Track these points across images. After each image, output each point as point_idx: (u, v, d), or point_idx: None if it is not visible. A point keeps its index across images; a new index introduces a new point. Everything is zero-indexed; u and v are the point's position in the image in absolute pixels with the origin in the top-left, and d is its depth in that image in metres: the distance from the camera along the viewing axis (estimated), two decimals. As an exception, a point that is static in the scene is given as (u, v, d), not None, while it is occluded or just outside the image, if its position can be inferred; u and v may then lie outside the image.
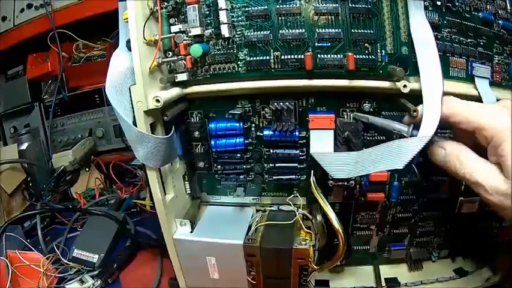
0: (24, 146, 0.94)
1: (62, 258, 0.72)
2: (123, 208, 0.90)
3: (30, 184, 0.93)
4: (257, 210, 0.62)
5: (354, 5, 0.49)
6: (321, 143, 0.53)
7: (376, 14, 0.50)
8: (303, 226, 0.56)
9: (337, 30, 0.50)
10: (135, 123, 0.49)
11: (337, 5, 0.49)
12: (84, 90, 1.10)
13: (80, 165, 0.99)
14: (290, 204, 0.58)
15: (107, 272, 0.71)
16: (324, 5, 0.49)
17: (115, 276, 0.71)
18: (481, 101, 0.52)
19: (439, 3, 0.51)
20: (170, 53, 0.53)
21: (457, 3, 0.52)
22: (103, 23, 0.99)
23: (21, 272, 0.68)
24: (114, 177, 0.96)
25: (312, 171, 0.54)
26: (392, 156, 0.45)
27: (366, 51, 0.50)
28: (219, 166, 0.59)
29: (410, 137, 0.45)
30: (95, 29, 1.09)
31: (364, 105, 0.54)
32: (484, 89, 0.53)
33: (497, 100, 0.51)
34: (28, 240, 0.78)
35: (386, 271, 0.64)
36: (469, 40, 0.54)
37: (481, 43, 0.55)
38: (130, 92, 0.48)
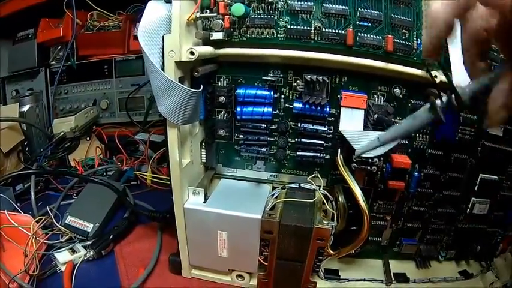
0: (25, 108, 0.90)
1: (55, 222, 0.67)
2: (123, 180, 0.86)
3: (27, 148, 0.88)
4: (274, 188, 0.59)
5: (395, -9, 0.50)
6: (351, 121, 0.53)
7: (414, 4, 0.51)
8: (327, 206, 0.53)
9: (378, 12, 0.50)
10: (163, 75, 0.46)
11: (380, -12, 0.49)
12: (93, 59, 1.06)
13: (81, 134, 0.95)
14: (311, 183, 0.56)
15: (101, 242, 0.66)
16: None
17: (109, 248, 0.66)
18: None
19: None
20: (208, 10, 0.51)
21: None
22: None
23: (9, 234, 0.63)
24: (119, 145, 0.92)
25: (339, 149, 0.53)
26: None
27: (403, 37, 0.51)
28: (241, 135, 0.57)
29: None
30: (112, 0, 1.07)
31: (395, 90, 0.54)
32: None
33: None
34: (18, 204, 0.73)
35: (395, 266, 0.63)
36: (492, 46, 0.55)
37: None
38: (163, 41, 0.46)
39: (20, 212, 0.69)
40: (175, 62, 0.46)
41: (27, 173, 0.77)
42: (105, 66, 1.05)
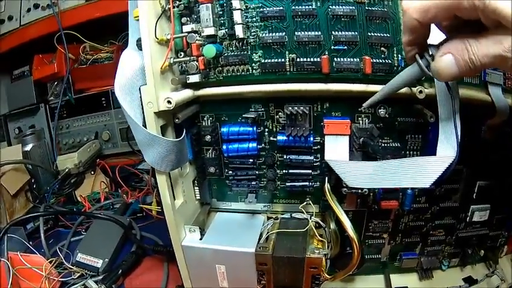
0: (28, 147, 0.93)
1: (65, 262, 0.71)
2: (129, 213, 0.88)
3: (34, 186, 0.91)
4: (268, 218, 0.61)
5: (370, 8, 0.48)
6: (336, 149, 0.52)
7: (392, 17, 0.49)
8: (316, 234, 0.54)
9: (353, 33, 0.48)
10: (145, 125, 0.48)
11: (353, 7, 0.48)
12: (90, 92, 1.09)
13: (85, 168, 0.98)
14: (303, 212, 0.56)
15: (111, 277, 0.68)
16: (340, 7, 0.48)
17: (119, 282, 0.69)
18: (494, 107, 0.51)
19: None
20: (182, 53, 0.51)
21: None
22: (110, 25, 0.99)
23: (23, 274, 0.66)
24: (120, 180, 0.94)
25: (326, 178, 0.53)
26: (416, 174, 0.43)
27: (383, 55, 0.49)
28: (230, 171, 0.58)
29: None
30: (103, 30, 1.09)
31: (380, 110, 0.53)
32: (497, 95, 0.52)
33: (510, 107, 0.51)
34: (30, 243, 0.76)
35: (397, 280, 0.62)
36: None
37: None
38: (140, 93, 0.47)
39: (32, 251, 0.73)
40: (155, 112, 0.47)
41: (35, 215, 0.81)
42: (103, 98, 1.07)
